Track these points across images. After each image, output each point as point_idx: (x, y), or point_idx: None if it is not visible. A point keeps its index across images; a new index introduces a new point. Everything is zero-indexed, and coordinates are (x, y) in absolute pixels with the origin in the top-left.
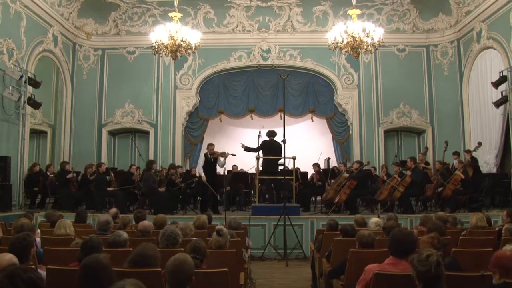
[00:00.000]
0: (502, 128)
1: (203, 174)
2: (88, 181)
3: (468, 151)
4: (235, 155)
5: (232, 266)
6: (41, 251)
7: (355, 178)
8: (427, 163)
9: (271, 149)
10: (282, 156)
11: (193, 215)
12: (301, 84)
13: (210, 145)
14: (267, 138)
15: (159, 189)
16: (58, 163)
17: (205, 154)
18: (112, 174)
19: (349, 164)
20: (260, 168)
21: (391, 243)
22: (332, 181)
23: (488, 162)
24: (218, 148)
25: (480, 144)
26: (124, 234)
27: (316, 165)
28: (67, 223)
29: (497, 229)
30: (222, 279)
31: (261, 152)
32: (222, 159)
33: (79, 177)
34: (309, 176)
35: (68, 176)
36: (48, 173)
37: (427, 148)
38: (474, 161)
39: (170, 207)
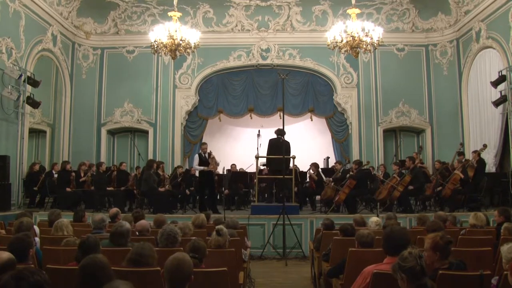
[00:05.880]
0: (501, 128)
1: (205, 167)
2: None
3: (476, 152)
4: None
5: (232, 266)
6: (41, 252)
7: (354, 178)
8: (421, 162)
9: (277, 147)
10: (289, 154)
11: (192, 214)
12: (301, 83)
13: (203, 144)
14: (274, 136)
15: (159, 189)
16: (58, 162)
17: (199, 154)
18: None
19: (346, 163)
20: (261, 167)
21: (384, 243)
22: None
23: (487, 161)
24: (217, 148)
25: (485, 146)
26: (126, 224)
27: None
28: (64, 224)
29: (496, 226)
30: (222, 278)
31: (265, 151)
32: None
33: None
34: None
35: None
36: (54, 172)
37: (421, 147)
38: (481, 163)
39: (169, 207)
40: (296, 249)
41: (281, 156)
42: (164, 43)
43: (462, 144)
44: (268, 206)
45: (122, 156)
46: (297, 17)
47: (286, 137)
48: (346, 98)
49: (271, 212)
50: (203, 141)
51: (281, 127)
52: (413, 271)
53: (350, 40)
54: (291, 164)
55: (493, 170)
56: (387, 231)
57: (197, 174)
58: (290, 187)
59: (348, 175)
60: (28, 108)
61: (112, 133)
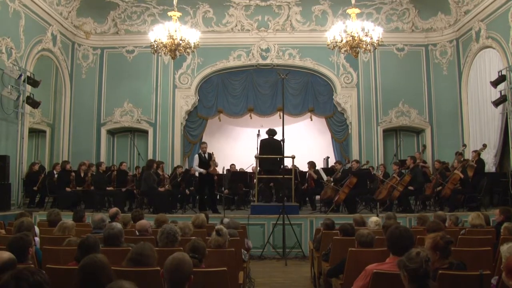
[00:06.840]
0: (501, 128)
1: (204, 170)
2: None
3: (475, 151)
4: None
5: (231, 266)
6: (41, 252)
7: (356, 174)
8: (424, 162)
9: (268, 147)
10: (282, 154)
11: (192, 214)
12: (300, 83)
13: (203, 144)
14: (266, 137)
15: (159, 189)
16: (58, 162)
17: (199, 154)
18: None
19: (345, 163)
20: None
21: (389, 242)
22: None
23: (487, 161)
24: (217, 148)
25: (484, 146)
26: (118, 225)
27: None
28: (68, 226)
29: (495, 225)
30: (221, 278)
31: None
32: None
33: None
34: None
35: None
36: (55, 172)
37: (424, 146)
38: (480, 163)
39: (169, 207)
40: (296, 249)
41: (275, 156)
42: (164, 43)
43: (465, 145)
44: (268, 206)
45: (122, 156)
46: (297, 17)
47: (286, 137)
48: (346, 98)
49: (271, 212)
50: (202, 140)
51: (272, 128)
52: (415, 273)
53: (350, 40)
54: (290, 165)
55: (493, 170)
56: (395, 231)
57: (196, 174)
58: (290, 187)
59: (350, 173)
60: (28, 108)
61: (112, 133)
